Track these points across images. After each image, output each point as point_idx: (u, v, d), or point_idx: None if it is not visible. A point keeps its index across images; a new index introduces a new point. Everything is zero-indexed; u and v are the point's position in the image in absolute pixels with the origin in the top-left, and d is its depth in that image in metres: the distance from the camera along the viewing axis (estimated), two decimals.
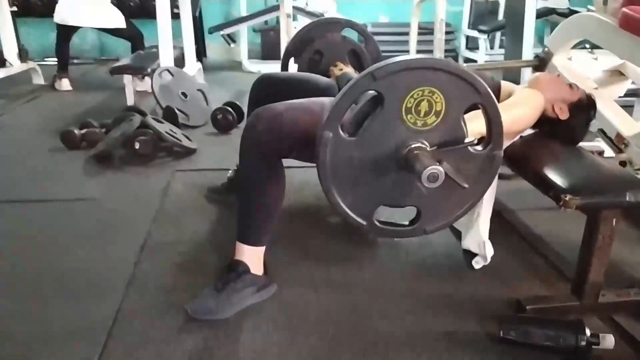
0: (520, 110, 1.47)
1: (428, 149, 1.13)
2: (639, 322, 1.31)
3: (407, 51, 5.29)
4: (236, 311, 1.33)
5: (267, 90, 1.81)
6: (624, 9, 1.80)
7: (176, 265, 1.59)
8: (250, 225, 1.37)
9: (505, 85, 1.68)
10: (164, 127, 2.59)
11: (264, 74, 1.90)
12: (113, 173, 2.34)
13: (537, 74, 1.86)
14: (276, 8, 4.74)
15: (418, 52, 4.69)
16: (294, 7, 4.15)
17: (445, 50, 5.09)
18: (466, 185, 1.12)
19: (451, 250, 1.68)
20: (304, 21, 4.47)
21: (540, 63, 2.32)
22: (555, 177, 1.29)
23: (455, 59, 5.78)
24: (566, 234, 1.64)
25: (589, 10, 2.25)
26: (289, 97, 1.56)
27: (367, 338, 1.27)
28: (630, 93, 2.38)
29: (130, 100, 3.43)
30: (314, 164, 1.14)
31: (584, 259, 1.31)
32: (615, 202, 1.23)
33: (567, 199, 1.20)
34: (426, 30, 4.70)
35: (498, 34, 5.71)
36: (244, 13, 5.44)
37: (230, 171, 2.05)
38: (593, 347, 1.15)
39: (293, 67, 2.11)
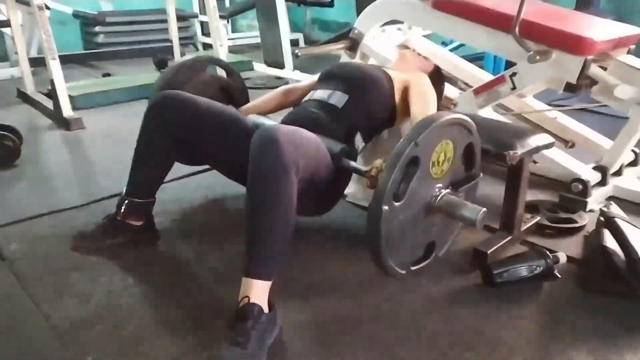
0: (433, 103, 1.63)
1: (449, 192, 1.31)
2: (539, 237, 1.69)
3: (160, 40, 4.93)
4: (265, 357, 1.13)
5: (179, 109, 1.53)
6: None
7: (130, 347, 1.21)
8: (266, 254, 1.20)
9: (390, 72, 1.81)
10: None
11: (172, 92, 1.57)
12: None
13: (403, 51, 2.07)
14: None
15: (166, 40, 4.42)
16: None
17: (183, 38, 4.97)
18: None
19: None
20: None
21: (353, 43, 2.56)
22: (487, 142, 1.51)
23: (195, 46, 5.69)
24: None
25: None
26: (204, 121, 1.54)
27: None
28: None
29: None
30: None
31: (511, 199, 1.59)
32: (532, 148, 1.52)
33: (511, 154, 1.43)
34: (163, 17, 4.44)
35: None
36: None
37: (121, 206, 1.60)
38: (554, 265, 1.44)
39: None
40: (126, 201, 1.57)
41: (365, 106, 1.61)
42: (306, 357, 1.18)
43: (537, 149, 1.56)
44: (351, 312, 1.34)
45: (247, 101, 1.95)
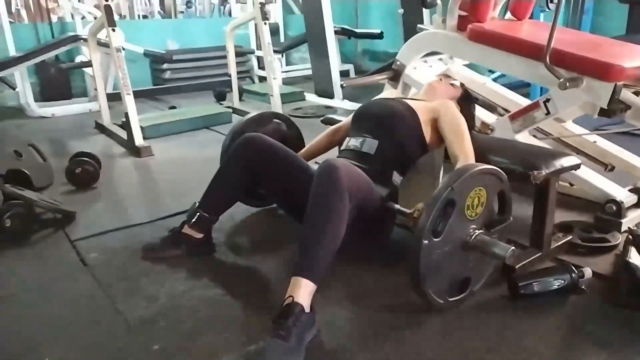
0: (464, 129, 1.76)
1: (482, 232, 1.46)
2: (571, 255, 1.75)
3: (219, 74, 5.34)
4: (304, 354, 1.28)
5: (260, 149, 1.80)
6: (470, 26, 2.30)
7: (189, 340, 1.40)
8: (314, 261, 1.36)
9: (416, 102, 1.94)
10: (29, 194, 2.12)
11: (256, 134, 1.84)
12: None
13: (430, 82, 2.21)
14: (75, 39, 4.20)
15: (225, 75, 4.77)
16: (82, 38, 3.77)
17: (240, 72, 5.33)
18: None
19: None
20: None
21: (395, 74, 2.73)
22: (513, 162, 1.63)
23: (252, 79, 6.06)
24: None
25: (420, 29, 2.74)
26: (278, 162, 1.80)
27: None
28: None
29: None
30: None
31: (540, 218, 1.68)
32: (557, 169, 1.62)
33: (536, 174, 1.54)
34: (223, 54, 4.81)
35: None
36: (12, 52, 4.62)
37: (195, 213, 1.83)
38: (580, 279, 1.51)
39: None
40: (198, 213, 1.81)
41: (395, 146, 1.78)
42: (341, 356, 1.32)
43: (563, 170, 1.65)
44: (384, 318, 1.47)
45: (303, 147, 2.18)
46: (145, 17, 7.82)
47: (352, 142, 1.84)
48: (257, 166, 1.80)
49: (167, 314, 1.50)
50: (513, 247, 1.38)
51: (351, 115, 2.02)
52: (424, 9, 4.58)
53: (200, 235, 1.82)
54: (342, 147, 1.90)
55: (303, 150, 2.13)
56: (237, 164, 1.81)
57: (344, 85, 2.82)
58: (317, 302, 1.38)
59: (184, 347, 1.36)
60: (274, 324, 1.29)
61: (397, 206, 1.66)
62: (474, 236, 1.44)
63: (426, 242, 1.33)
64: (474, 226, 1.45)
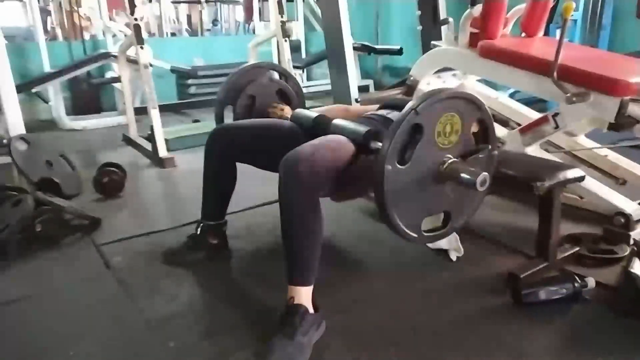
0: None
1: (457, 161, 1.37)
2: (579, 267, 1.78)
3: None
4: (310, 352, 1.35)
5: (228, 141, 1.85)
6: (481, 43, 2.37)
7: (204, 338, 1.49)
8: (301, 267, 1.42)
9: None
10: (59, 201, 2.26)
11: (221, 126, 1.91)
12: (25, 266, 1.95)
13: None
14: (106, 56, 4.42)
15: None
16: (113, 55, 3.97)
17: None
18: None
19: (426, 255, 1.95)
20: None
21: (409, 89, 2.81)
22: (517, 173, 1.68)
23: None
24: (493, 222, 2.08)
25: (433, 45, 2.82)
26: (256, 145, 1.79)
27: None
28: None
29: None
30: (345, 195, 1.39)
31: (544, 228, 1.72)
32: (561, 181, 1.66)
33: (538, 185, 1.59)
34: None
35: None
36: (47, 68, 4.87)
37: (199, 227, 1.94)
38: (583, 289, 1.55)
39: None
40: (202, 224, 1.91)
41: None
42: (345, 356, 1.38)
43: (566, 182, 1.69)
44: (389, 322, 1.53)
45: (303, 103, 2.18)
46: (173, 34, 8.10)
47: (379, 112, 1.82)
48: (232, 156, 1.87)
49: (184, 314, 1.59)
50: (485, 173, 1.29)
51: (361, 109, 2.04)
52: (442, 26, 4.66)
53: (215, 241, 1.91)
54: (368, 114, 1.83)
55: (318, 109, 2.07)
56: (213, 161, 1.89)
57: (359, 100, 2.90)
58: (324, 305, 1.46)
59: (199, 345, 1.44)
60: (280, 324, 1.37)
61: (378, 144, 1.49)
62: (446, 164, 1.35)
63: (389, 167, 1.26)
64: (449, 155, 1.36)
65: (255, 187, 2.27)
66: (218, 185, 1.93)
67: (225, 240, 1.96)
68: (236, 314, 1.60)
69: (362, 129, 1.54)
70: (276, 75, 2.22)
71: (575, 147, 2.40)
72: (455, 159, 1.37)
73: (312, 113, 1.86)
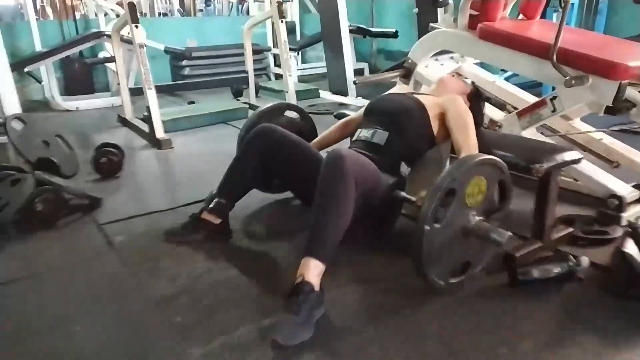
0: (469, 124, 1.85)
1: (482, 219, 1.55)
2: (572, 247, 1.82)
3: (237, 71, 5.45)
4: (313, 330, 1.38)
5: (272, 140, 1.93)
6: (480, 25, 2.37)
7: (208, 315, 1.51)
8: (325, 241, 1.47)
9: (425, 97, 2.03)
10: (58, 181, 2.25)
11: (269, 125, 1.96)
12: (25, 245, 1.95)
13: (441, 77, 2.29)
14: (98, 35, 4.37)
15: (242, 72, 4.88)
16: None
17: (257, 69, 5.45)
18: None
19: None
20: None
21: (407, 72, 2.81)
22: (516, 156, 1.71)
23: (268, 76, 6.17)
24: None
25: (432, 27, 2.81)
26: (289, 151, 1.91)
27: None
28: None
29: None
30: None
31: (541, 209, 1.75)
32: (559, 163, 1.69)
33: (537, 167, 1.62)
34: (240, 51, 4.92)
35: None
36: (39, 47, 4.80)
37: (212, 200, 1.96)
38: (577, 268, 1.58)
39: None
40: (216, 199, 1.93)
41: (404, 140, 1.87)
42: (346, 333, 1.42)
43: (564, 164, 1.72)
44: (389, 299, 1.56)
45: (316, 137, 2.29)
46: (165, 15, 8.00)
47: (363, 133, 1.93)
48: (269, 155, 1.91)
49: (187, 292, 1.62)
50: (510, 233, 1.47)
51: (363, 109, 2.11)
52: (438, 9, 4.64)
53: (218, 221, 1.93)
54: (354, 138, 1.99)
55: (315, 140, 2.23)
56: (251, 153, 1.93)
57: (357, 82, 2.91)
58: (326, 283, 1.48)
59: (203, 321, 1.47)
60: (285, 300, 1.40)
61: (404, 194, 1.75)
62: (473, 223, 1.52)
63: (428, 227, 1.42)
64: (474, 213, 1.53)
65: None
66: (245, 178, 1.98)
67: (227, 222, 1.98)
68: (238, 291, 1.62)
69: (388, 180, 1.75)
70: (293, 114, 2.34)
71: (570, 130, 2.43)
72: (481, 218, 1.55)
73: None
